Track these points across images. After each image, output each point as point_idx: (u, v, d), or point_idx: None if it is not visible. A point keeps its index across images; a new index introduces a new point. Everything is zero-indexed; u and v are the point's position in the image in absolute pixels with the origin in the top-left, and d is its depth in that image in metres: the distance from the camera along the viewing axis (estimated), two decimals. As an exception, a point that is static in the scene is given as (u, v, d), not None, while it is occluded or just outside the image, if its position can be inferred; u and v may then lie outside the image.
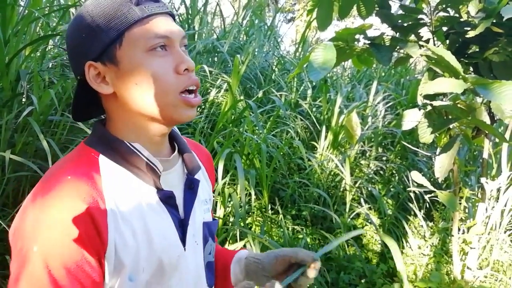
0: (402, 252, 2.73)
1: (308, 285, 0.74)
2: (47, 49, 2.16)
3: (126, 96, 0.64)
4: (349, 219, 2.68)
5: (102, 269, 0.60)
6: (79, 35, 0.64)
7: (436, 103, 1.44)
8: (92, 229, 0.58)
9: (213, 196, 2.13)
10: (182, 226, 0.69)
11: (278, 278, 0.74)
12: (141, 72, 0.62)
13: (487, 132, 1.59)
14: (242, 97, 2.76)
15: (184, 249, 0.69)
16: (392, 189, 3.10)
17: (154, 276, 0.64)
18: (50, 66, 2.21)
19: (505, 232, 2.62)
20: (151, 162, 0.65)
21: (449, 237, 2.64)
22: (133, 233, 0.62)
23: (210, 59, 3.33)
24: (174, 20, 0.69)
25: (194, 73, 0.66)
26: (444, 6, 1.50)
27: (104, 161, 0.64)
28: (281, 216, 2.38)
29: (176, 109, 0.64)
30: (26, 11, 1.88)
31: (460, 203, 2.60)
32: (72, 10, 2.32)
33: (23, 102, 1.87)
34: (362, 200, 2.86)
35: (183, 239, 0.69)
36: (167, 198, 0.67)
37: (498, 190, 2.48)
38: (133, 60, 0.62)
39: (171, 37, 0.64)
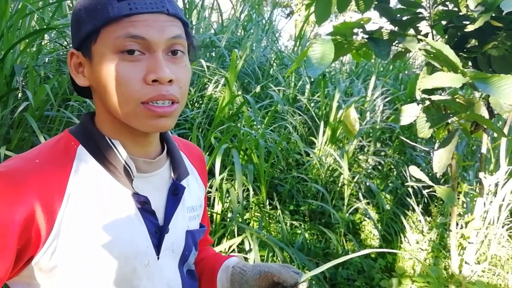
0: (400, 247, 2.74)
1: None
2: (42, 44, 2.14)
3: (97, 94, 0.62)
4: (347, 214, 2.68)
5: (18, 267, 0.56)
6: (72, 19, 0.63)
7: (435, 97, 1.43)
8: (28, 221, 0.54)
9: (211, 192, 2.12)
10: (159, 233, 0.65)
11: None
12: (107, 74, 0.58)
13: (485, 126, 1.58)
14: (240, 92, 2.74)
15: (158, 257, 0.65)
16: (390, 184, 3.10)
17: (117, 281, 0.61)
18: (46, 61, 2.19)
19: (503, 226, 2.63)
20: (126, 163, 0.62)
21: (447, 232, 2.64)
22: (91, 234, 0.59)
23: (207, 54, 3.31)
24: (181, 20, 0.61)
25: (169, 85, 0.58)
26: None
27: (82, 153, 0.62)
28: (279, 211, 2.37)
29: (138, 119, 0.59)
30: (20, 5, 1.86)
31: (458, 198, 2.60)
32: (68, 2, 2.29)
33: (18, 98, 1.85)
34: (360, 195, 2.85)
35: (158, 246, 0.65)
36: (141, 203, 0.63)
37: (496, 185, 2.48)
38: (102, 59, 0.58)
39: (149, 40, 0.57)
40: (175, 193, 0.68)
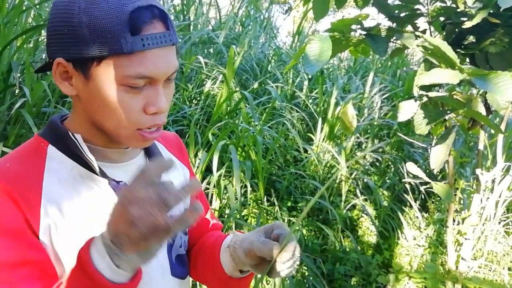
0: (397, 243, 2.75)
1: (292, 271, 0.65)
2: (39, 40, 2.12)
3: (86, 106, 0.63)
4: (345, 211, 2.69)
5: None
6: (61, 27, 0.58)
7: (432, 94, 1.43)
8: (20, 221, 0.57)
9: (209, 189, 2.12)
10: None
11: (258, 267, 0.67)
12: (107, 100, 0.59)
13: (482, 123, 1.59)
14: (237, 89, 2.74)
15: None
16: (388, 181, 3.11)
17: None
18: (43, 57, 2.18)
19: (499, 223, 2.64)
20: (86, 155, 0.63)
21: (444, 228, 2.65)
22: (76, 225, 0.61)
23: (205, 50, 3.30)
24: (177, 48, 0.64)
25: (164, 114, 0.63)
26: (441, -4, 1.49)
27: (52, 152, 0.64)
28: (277, 208, 2.38)
29: (130, 140, 0.64)
30: (17, 1, 1.85)
31: (455, 195, 2.61)
32: None
33: (15, 94, 1.85)
34: (358, 191, 2.86)
35: None
36: (119, 190, 0.66)
37: (493, 181, 2.49)
38: (104, 85, 0.58)
39: (155, 78, 0.59)
40: None
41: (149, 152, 0.73)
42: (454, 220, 2.04)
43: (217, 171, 2.08)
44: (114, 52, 0.56)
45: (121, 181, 0.66)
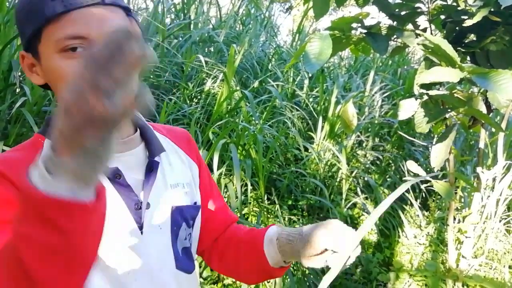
0: (398, 242, 2.75)
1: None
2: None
3: (53, 90, 0.64)
4: (345, 209, 2.69)
5: None
6: (15, 21, 0.64)
7: (433, 92, 1.43)
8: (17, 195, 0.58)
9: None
10: (139, 209, 0.68)
11: (311, 259, 0.70)
12: (53, 73, 0.60)
13: (483, 121, 1.59)
14: (238, 87, 2.74)
15: (141, 232, 0.67)
16: (388, 179, 3.11)
17: (103, 256, 0.63)
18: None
19: (500, 221, 2.64)
20: None
21: (445, 227, 2.65)
22: None
23: (206, 49, 3.30)
24: (128, 9, 0.62)
25: None
26: (441, -6, 1.49)
27: (47, 145, 0.65)
28: (277, 206, 2.38)
29: None
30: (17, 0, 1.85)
31: (456, 193, 2.61)
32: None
33: (16, 93, 1.85)
34: (358, 190, 2.86)
35: (139, 222, 0.67)
36: (114, 177, 0.65)
37: (494, 179, 2.49)
38: (47, 59, 0.60)
39: (89, 38, 0.57)
40: (150, 170, 0.71)
41: (149, 143, 0.72)
42: (454, 218, 2.04)
43: (217, 170, 2.08)
44: (42, 21, 0.58)
45: (112, 167, 0.65)
